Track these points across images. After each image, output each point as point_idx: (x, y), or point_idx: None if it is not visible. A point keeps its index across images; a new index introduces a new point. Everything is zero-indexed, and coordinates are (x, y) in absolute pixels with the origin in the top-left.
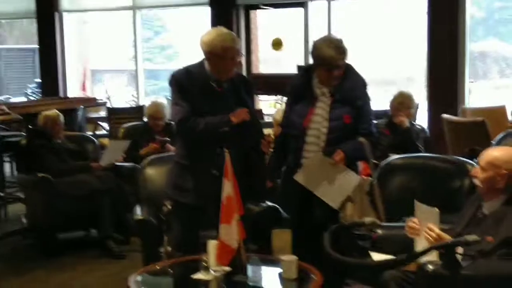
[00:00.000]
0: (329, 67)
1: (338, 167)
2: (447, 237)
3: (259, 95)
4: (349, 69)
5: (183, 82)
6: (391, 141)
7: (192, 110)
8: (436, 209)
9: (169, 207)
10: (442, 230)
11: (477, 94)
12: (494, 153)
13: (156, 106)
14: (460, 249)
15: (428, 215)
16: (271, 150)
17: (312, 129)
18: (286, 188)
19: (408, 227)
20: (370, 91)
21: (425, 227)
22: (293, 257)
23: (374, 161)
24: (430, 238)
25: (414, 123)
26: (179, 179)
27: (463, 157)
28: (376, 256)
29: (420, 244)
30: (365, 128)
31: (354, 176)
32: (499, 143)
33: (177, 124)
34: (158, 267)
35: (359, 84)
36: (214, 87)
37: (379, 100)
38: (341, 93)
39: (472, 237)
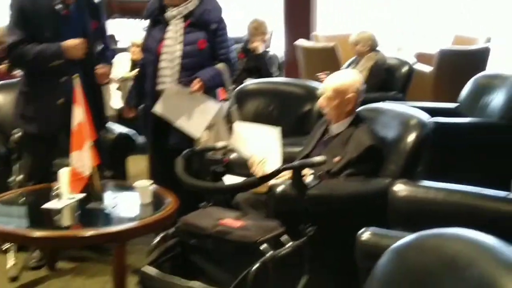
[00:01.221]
0: None
1: (197, 96)
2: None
3: (116, 19)
4: None
5: (25, 4)
6: (245, 65)
7: (31, 35)
8: (277, 129)
9: (18, 135)
10: (294, 153)
11: (332, 21)
12: (336, 80)
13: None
14: (308, 170)
15: (269, 138)
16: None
17: (165, 53)
18: (144, 114)
19: (250, 164)
20: (229, 17)
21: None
22: (148, 182)
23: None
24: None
25: (268, 49)
26: (24, 108)
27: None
28: (229, 180)
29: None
30: (223, 53)
31: (213, 104)
32: (370, 73)
33: (7, 51)
34: (8, 197)
35: (215, 8)
36: (59, 10)
37: (239, 26)
38: (196, 16)
39: (318, 159)
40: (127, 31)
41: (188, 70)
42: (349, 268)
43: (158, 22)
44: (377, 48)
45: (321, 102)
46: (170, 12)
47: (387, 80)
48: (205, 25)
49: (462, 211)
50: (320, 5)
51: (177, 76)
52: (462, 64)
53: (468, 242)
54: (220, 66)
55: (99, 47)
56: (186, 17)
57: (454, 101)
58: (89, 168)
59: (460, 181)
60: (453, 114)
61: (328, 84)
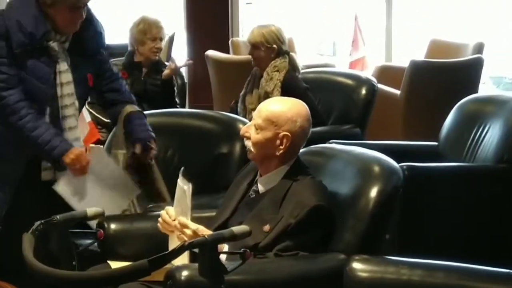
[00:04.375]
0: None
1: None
2: (207, 233)
3: None
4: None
5: None
6: (130, 89)
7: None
8: (185, 186)
9: None
10: (206, 218)
11: (258, 22)
12: (274, 106)
13: None
14: (225, 246)
15: (181, 196)
16: None
17: (70, 107)
18: None
19: (161, 220)
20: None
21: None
22: None
23: (107, 120)
24: (185, 237)
25: (169, 63)
26: None
27: (233, 111)
28: (114, 264)
29: (176, 242)
30: (122, 87)
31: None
32: (287, 90)
33: None
34: None
35: (102, 29)
36: None
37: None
38: (80, 45)
39: (240, 228)
40: None
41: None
42: None
43: (41, 53)
44: (285, 49)
45: (244, 129)
46: (58, 43)
47: (332, 105)
48: (92, 53)
49: None
50: None
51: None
52: (444, 83)
53: None
54: (131, 108)
55: None
56: (69, 47)
57: (434, 137)
58: None
59: (445, 253)
60: (432, 156)
61: (261, 109)
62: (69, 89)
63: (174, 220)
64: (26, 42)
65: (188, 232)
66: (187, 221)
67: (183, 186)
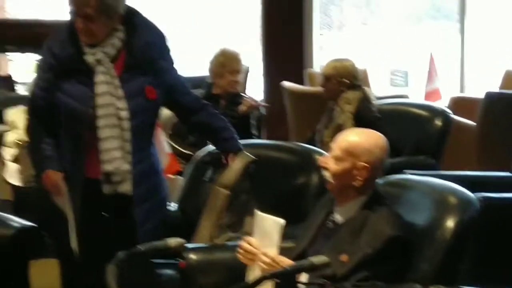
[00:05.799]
0: (75, 12)
1: None
2: (287, 262)
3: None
4: (138, 21)
5: None
6: None
7: None
8: (281, 221)
9: None
10: (284, 249)
11: (332, 53)
12: (351, 137)
13: None
14: (303, 276)
15: (269, 229)
16: None
17: (104, 117)
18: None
19: (241, 249)
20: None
21: (262, 248)
22: None
23: (186, 151)
24: (264, 265)
25: (246, 96)
26: None
27: (310, 142)
28: None
29: (254, 273)
30: (194, 99)
31: None
32: (359, 121)
33: None
34: None
35: (156, 38)
36: None
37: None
38: (134, 54)
39: (320, 259)
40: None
41: (139, 133)
42: None
43: (78, 73)
44: (357, 84)
45: (323, 160)
46: (91, 55)
47: (407, 136)
48: (148, 63)
49: None
50: (318, 27)
51: (129, 147)
52: None
53: None
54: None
55: None
56: (115, 58)
57: (509, 168)
58: None
59: None
60: (507, 187)
61: (339, 140)
62: (104, 100)
63: (256, 249)
64: (53, 64)
65: (267, 260)
66: (271, 252)
67: (276, 220)
